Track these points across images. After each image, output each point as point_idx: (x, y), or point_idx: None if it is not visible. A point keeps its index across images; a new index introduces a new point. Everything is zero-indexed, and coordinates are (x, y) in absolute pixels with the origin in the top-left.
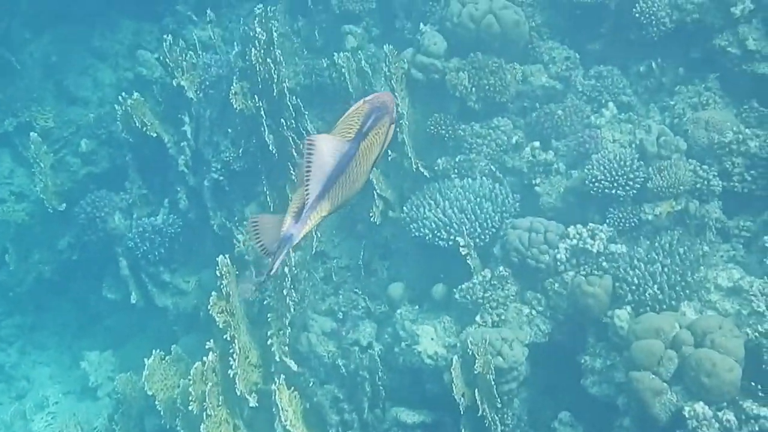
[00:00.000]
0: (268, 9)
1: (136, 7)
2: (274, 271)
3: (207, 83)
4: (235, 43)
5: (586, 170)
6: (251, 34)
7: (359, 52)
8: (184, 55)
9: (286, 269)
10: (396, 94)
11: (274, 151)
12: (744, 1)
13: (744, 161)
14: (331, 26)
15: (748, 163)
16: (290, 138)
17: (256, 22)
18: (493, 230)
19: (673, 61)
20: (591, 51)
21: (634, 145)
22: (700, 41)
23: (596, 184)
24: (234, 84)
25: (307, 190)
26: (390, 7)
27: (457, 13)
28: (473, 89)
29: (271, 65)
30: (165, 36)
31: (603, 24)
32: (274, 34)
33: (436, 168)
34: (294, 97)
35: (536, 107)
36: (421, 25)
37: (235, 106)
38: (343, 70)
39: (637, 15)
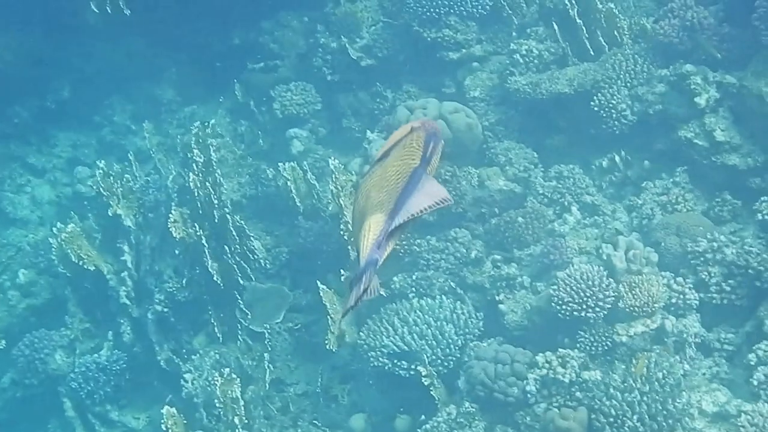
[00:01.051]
0: (206, 125)
1: (72, 118)
2: (359, 300)
3: (146, 206)
4: (172, 167)
5: (551, 291)
6: (188, 155)
7: (304, 163)
8: (119, 181)
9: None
10: (345, 210)
11: (219, 281)
12: (708, 90)
13: (721, 270)
14: (276, 128)
15: (725, 272)
16: (235, 267)
17: (192, 141)
18: (457, 355)
19: (638, 153)
20: (550, 146)
21: (602, 256)
22: (665, 132)
23: (563, 306)
24: (173, 211)
25: (388, 214)
26: (336, 106)
27: (404, 120)
28: None
29: (210, 189)
30: (98, 162)
31: (560, 118)
32: (213, 154)
33: (392, 286)
34: (238, 218)
35: (495, 212)
36: (368, 132)
37: (174, 236)
38: (289, 183)
39: (595, 109)
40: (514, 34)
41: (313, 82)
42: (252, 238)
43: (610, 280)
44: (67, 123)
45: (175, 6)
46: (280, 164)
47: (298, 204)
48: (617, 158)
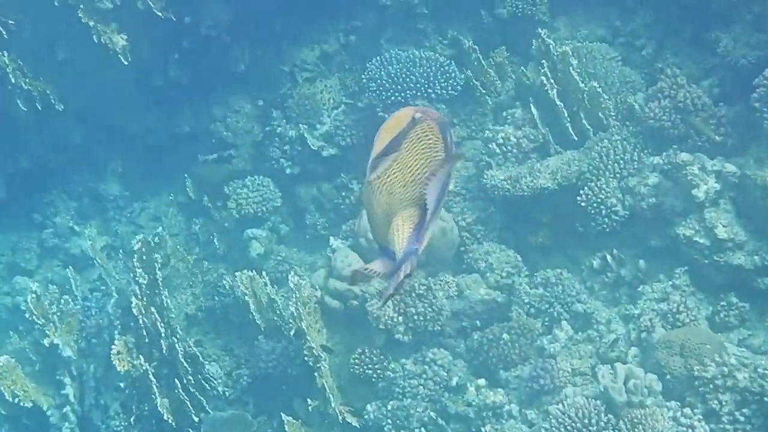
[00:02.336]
0: (149, 241)
1: (10, 218)
2: (400, 286)
3: (88, 330)
4: (113, 289)
5: (543, 430)
6: (131, 275)
7: (263, 274)
8: (57, 303)
9: None
10: (310, 326)
11: (170, 420)
12: (707, 180)
13: (733, 397)
14: (233, 227)
15: (738, 399)
16: (188, 402)
17: (135, 260)
18: None
19: (632, 250)
20: (533, 244)
21: (599, 387)
22: (661, 227)
23: None
24: (116, 340)
25: (421, 207)
26: (298, 200)
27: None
28: (400, 318)
29: (156, 316)
30: (31, 285)
31: (544, 213)
32: (159, 273)
33: (366, 417)
34: (190, 344)
35: (477, 325)
36: (332, 239)
37: (119, 369)
38: (247, 297)
39: (582, 204)
40: (489, 116)
41: (270, 175)
42: (209, 362)
43: (609, 416)
44: (5, 223)
45: (113, 92)
46: (237, 273)
47: (258, 322)
48: (609, 257)
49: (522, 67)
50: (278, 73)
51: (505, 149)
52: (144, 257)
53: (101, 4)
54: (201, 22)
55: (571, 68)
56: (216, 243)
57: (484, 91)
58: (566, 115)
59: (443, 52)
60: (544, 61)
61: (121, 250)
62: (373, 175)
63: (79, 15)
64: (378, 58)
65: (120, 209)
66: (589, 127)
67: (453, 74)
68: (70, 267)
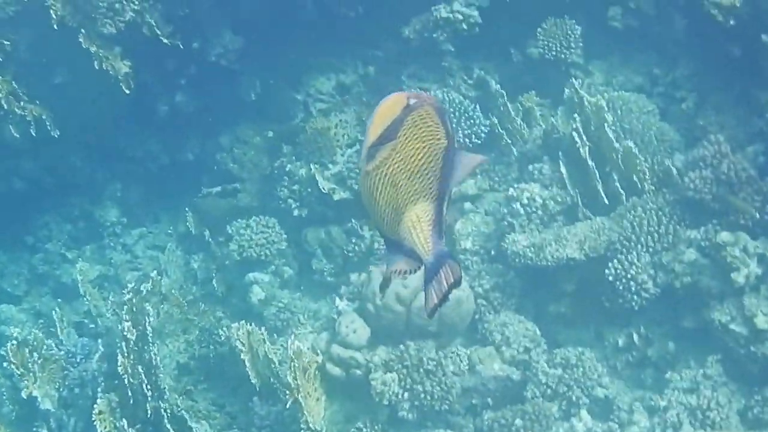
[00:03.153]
0: (142, 289)
1: (2, 239)
2: (446, 296)
3: (71, 379)
4: (100, 343)
5: None
6: (119, 327)
7: (263, 329)
8: (39, 350)
9: None
10: (308, 395)
11: None
12: (747, 263)
13: None
14: (234, 266)
15: None
16: None
17: (124, 311)
18: None
19: (660, 329)
20: (554, 314)
21: None
22: (694, 309)
23: None
24: (99, 398)
25: (434, 200)
26: (305, 243)
27: (380, 294)
28: (405, 395)
29: (143, 377)
30: (10, 332)
31: (568, 282)
32: (149, 327)
33: None
34: (178, 405)
35: (488, 404)
36: (337, 300)
37: (99, 430)
38: (242, 355)
39: (610, 279)
40: (513, 166)
41: (277, 216)
42: (197, 421)
43: None
44: None
45: (114, 116)
46: (234, 326)
47: (254, 381)
48: (635, 336)
49: (552, 116)
50: (291, 101)
51: (529, 210)
52: (134, 308)
53: (104, 28)
54: (210, 49)
55: (605, 125)
56: (215, 284)
57: (509, 141)
58: (598, 176)
59: (468, 93)
60: (576, 115)
61: (111, 295)
62: (372, 164)
63: (80, 40)
64: None
65: (116, 236)
66: (621, 191)
67: (477, 120)
68: (58, 304)
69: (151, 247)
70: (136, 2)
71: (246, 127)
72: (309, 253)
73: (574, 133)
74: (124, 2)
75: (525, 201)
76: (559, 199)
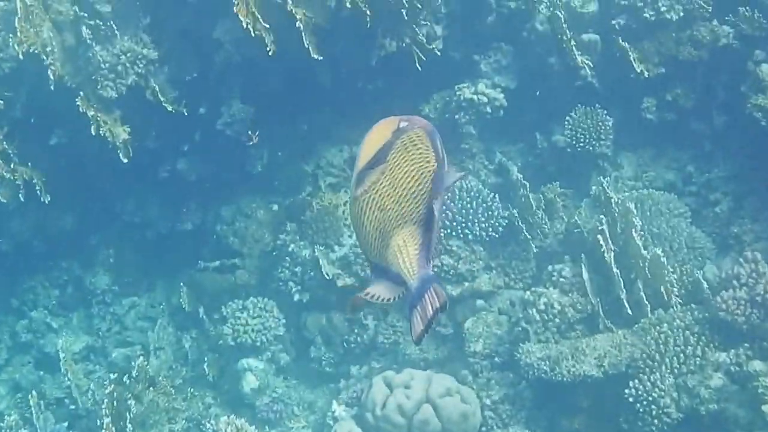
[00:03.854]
0: (123, 382)
1: None
2: (432, 321)
3: None
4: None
5: None
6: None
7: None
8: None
9: None
10: None
11: None
12: None
13: None
14: (227, 349)
15: None
16: None
17: (104, 406)
18: None
19: None
20: (567, 431)
21: None
22: None
23: None
24: None
25: (421, 225)
26: (304, 329)
27: (381, 403)
28: None
29: None
30: None
31: (583, 397)
32: (129, 424)
33: None
34: None
35: None
36: (335, 404)
37: None
38: None
39: (630, 400)
40: (531, 262)
41: (276, 298)
42: None
43: None
44: None
45: (112, 180)
46: (223, 419)
47: None
48: None
49: (576, 208)
50: (299, 173)
51: (546, 317)
52: (115, 402)
53: (104, 92)
54: (217, 117)
55: (633, 229)
56: (206, 368)
57: (529, 237)
58: (622, 285)
59: (488, 179)
60: (603, 215)
61: (91, 386)
62: (360, 189)
63: (78, 103)
64: None
65: (106, 305)
66: (647, 302)
67: (496, 212)
68: (39, 377)
69: (142, 318)
70: (141, 65)
71: (250, 199)
72: (308, 339)
73: (599, 236)
74: (128, 65)
75: (542, 307)
76: (579, 307)
